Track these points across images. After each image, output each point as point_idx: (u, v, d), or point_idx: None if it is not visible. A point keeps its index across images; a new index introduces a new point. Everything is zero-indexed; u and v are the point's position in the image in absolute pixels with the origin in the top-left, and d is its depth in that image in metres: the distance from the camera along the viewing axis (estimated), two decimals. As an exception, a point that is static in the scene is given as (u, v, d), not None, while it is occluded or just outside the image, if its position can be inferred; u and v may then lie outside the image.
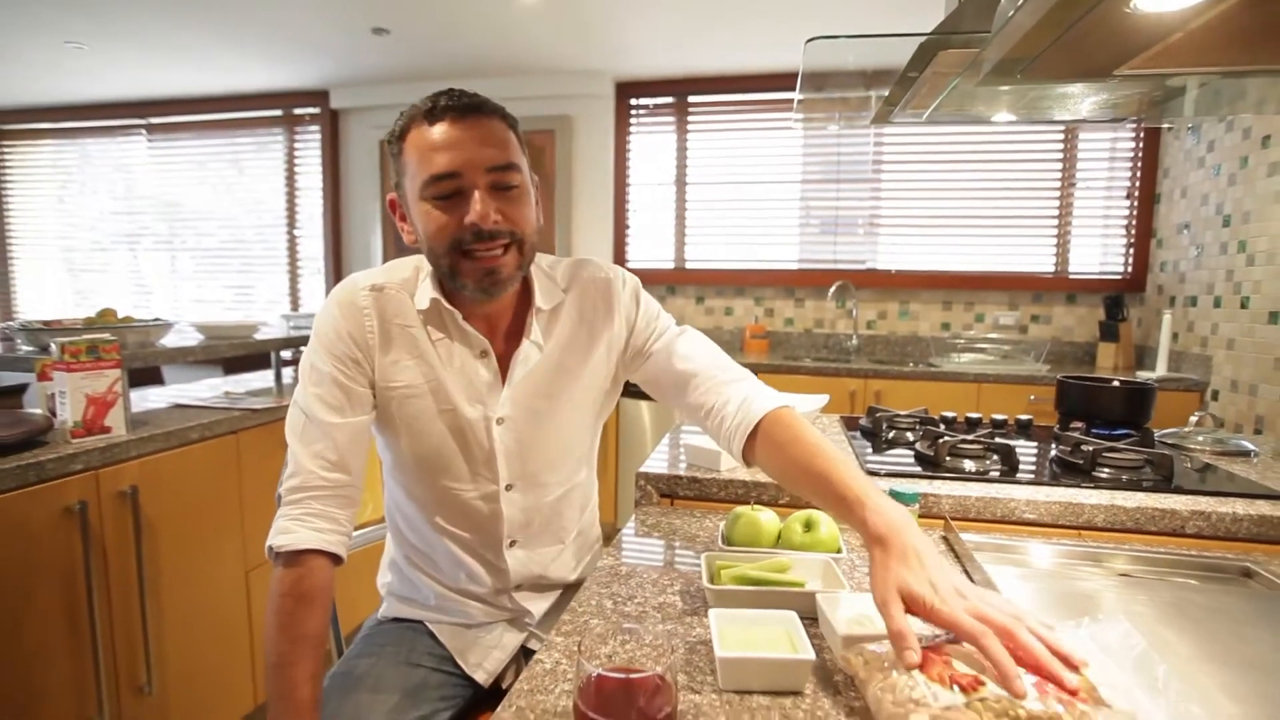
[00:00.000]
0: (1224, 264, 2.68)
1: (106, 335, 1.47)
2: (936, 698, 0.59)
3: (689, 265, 3.81)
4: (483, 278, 0.91)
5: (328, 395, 0.94)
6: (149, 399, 1.95)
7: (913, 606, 0.65)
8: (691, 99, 3.72)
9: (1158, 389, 1.53)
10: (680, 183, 3.77)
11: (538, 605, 1.11)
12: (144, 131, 4.53)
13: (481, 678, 1.07)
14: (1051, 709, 0.56)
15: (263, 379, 2.44)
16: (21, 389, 2.42)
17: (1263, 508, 1.12)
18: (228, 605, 1.81)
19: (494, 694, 1.07)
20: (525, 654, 1.10)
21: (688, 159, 3.76)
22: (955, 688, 0.59)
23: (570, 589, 1.14)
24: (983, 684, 0.59)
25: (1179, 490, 1.19)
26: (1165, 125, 3.10)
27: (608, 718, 0.58)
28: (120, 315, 1.91)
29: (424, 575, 1.10)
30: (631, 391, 1.19)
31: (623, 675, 0.62)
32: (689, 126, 3.75)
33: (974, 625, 0.61)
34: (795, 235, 3.70)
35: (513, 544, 1.06)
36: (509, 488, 1.03)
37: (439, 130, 0.88)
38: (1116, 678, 0.62)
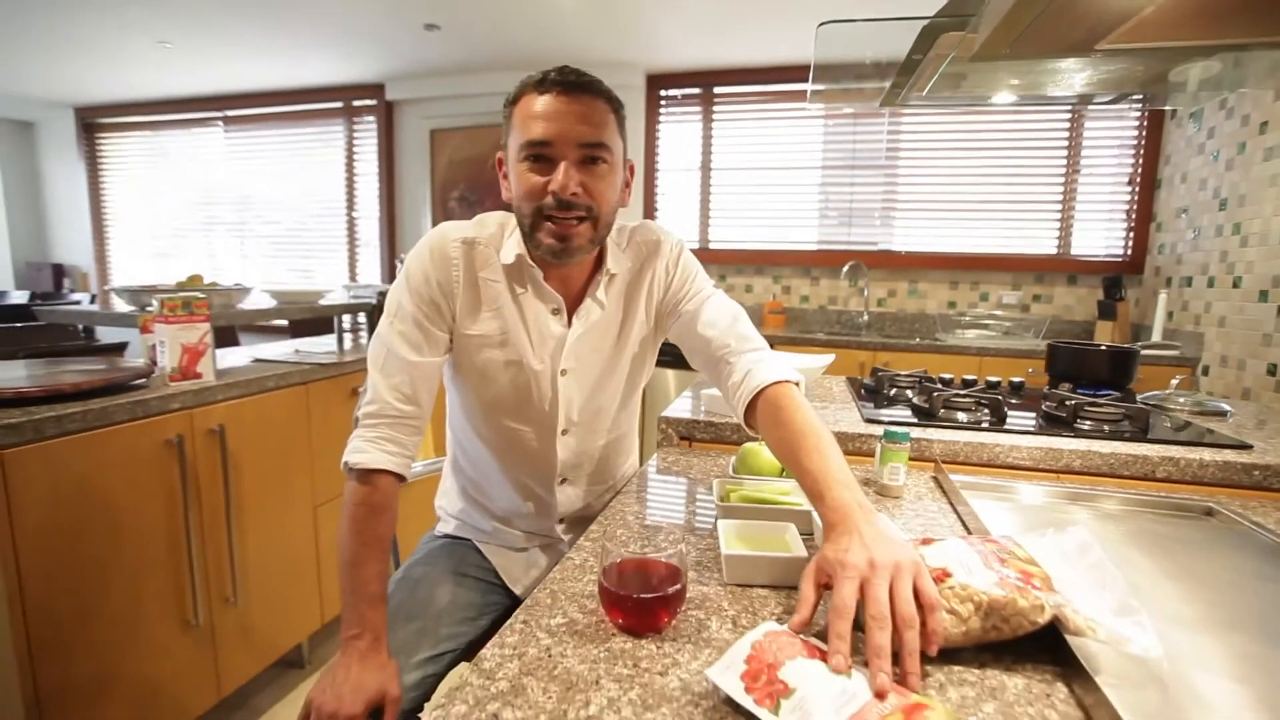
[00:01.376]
0: (1219, 246, 2.63)
1: (198, 293, 1.56)
2: (910, 587, 0.64)
3: (712, 246, 3.83)
4: (555, 242, 0.92)
5: (409, 333, 0.97)
6: (229, 357, 2.05)
7: (819, 576, 0.64)
8: (717, 90, 3.71)
9: (1141, 352, 1.53)
10: (705, 168, 3.78)
11: (570, 532, 1.18)
12: (221, 124, 4.66)
13: (519, 591, 1.15)
14: (1010, 594, 0.61)
15: (328, 343, 2.55)
16: (123, 346, 2.57)
17: (1229, 455, 1.14)
18: (299, 535, 1.92)
19: (531, 601, 1.14)
20: None
21: (713, 146, 3.77)
22: None
23: (593, 519, 1.19)
24: (949, 575, 0.64)
25: (1152, 440, 1.21)
26: (1168, 108, 3.02)
27: (627, 592, 0.64)
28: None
29: (477, 506, 1.17)
30: (659, 360, 1.20)
31: (640, 559, 0.68)
32: (714, 116, 3.75)
33: (842, 603, 0.58)
34: (813, 218, 3.69)
35: (563, 481, 1.11)
36: (564, 432, 1.08)
37: (544, 101, 0.89)
38: (1068, 573, 0.66)
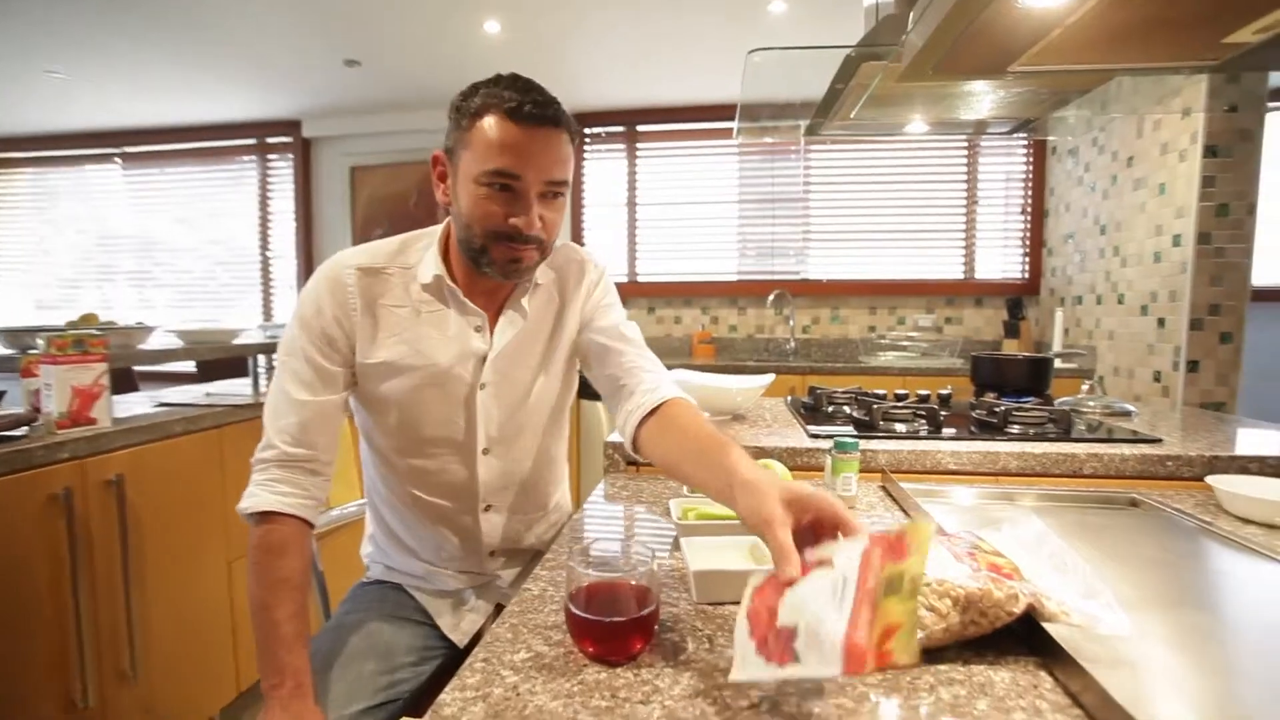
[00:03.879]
0: (1103, 267, 2.86)
1: (93, 331, 1.41)
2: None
3: (640, 278, 3.85)
4: (508, 264, 0.91)
5: (301, 371, 0.92)
6: (129, 404, 1.87)
7: (790, 517, 0.59)
8: (640, 128, 3.78)
9: (1054, 360, 1.62)
10: (631, 203, 3.82)
11: (509, 571, 1.10)
12: (118, 160, 4.35)
13: (458, 638, 1.06)
14: (985, 586, 0.60)
15: (243, 385, 2.36)
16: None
17: (1144, 449, 1.20)
18: (212, 594, 1.74)
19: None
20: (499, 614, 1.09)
21: (638, 182, 3.82)
22: None
23: (537, 558, 1.12)
24: (924, 572, 0.62)
25: (1077, 439, 1.26)
26: (1051, 138, 3.30)
27: (598, 616, 0.59)
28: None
29: (403, 549, 1.08)
30: (591, 393, 1.17)
31: (609, 581, 0.63)
32: (638, 153, 3.81)
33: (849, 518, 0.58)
34: (736, 249, 3.79)
35: (488, 508, 1.04)
36: (486, 451, 1.02)
37: (515, 131, 0.85)
38: (1032, 562, 0.66)
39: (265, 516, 0.87)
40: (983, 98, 1.19)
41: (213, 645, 1.74)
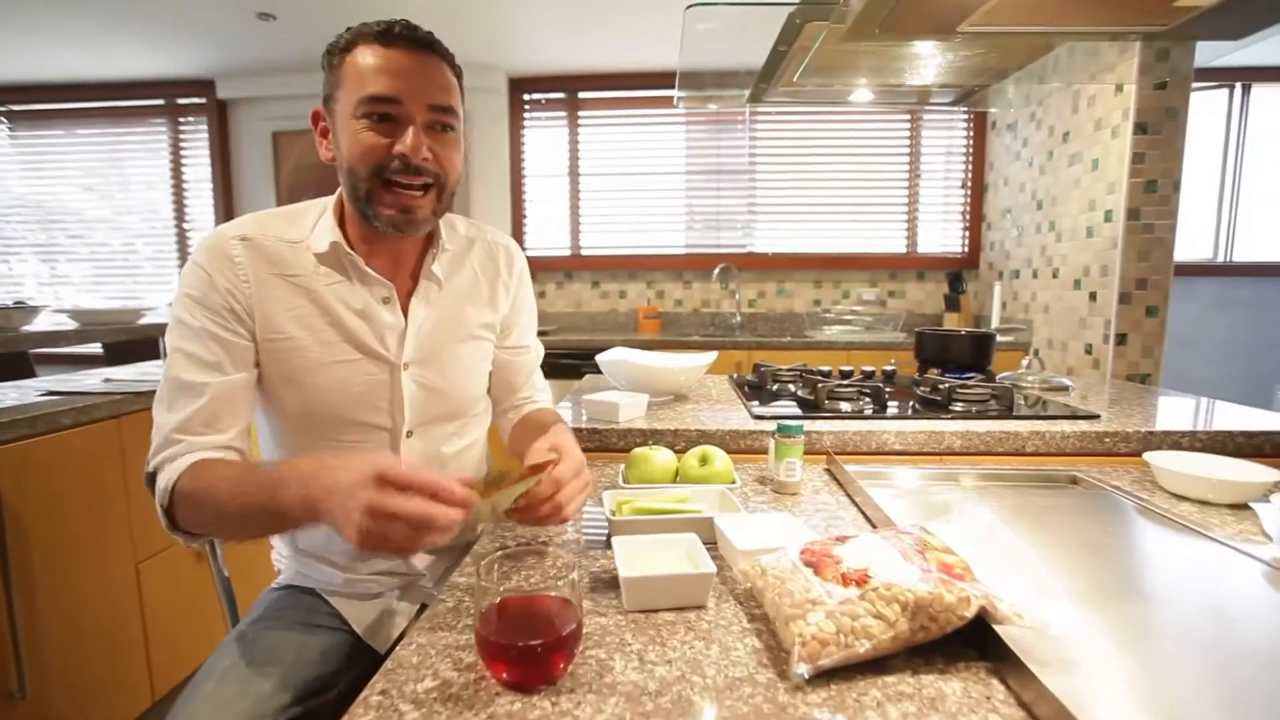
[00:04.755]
0: (1039, 242, 2.91)
1: (-49, 313, 1.24)
2: (831, 595, 0.57)
3: (584, 252, 3.74)
4: (399, 213, 0.83)
5: (202, 351, 0.82)
6: (20, 388, 1.68)
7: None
8: (582, 95, 3.64)
9: (996, 336, 1.62)
10: (574, 174, 3.69)
11: (434, 568, 1.02)
12: (3, 120, 3.93)
13: (379, 644, 0.98)
14: (935, 590, 0.55)
15: (149, 369, 2.18)
16: None
17: (1083, 425, 1.20)
18: (117, 599, 1.59)
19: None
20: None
21: (579, 151, 3.69)
22: (851, 585, 0.57)
23: (466, 549, 1.06)
24: (870, 578, 0.58)
25: (1019, 417, 1.25)
26: (991, 111, 3.33)
27: (511, 639, 0.52)
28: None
29: (313, 558, 0.98)
30: None
31: (525, 597, 0.56)
32: (580, 121, 3.67)
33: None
34: (681, 222, 3.71)
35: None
36: (409, 434, 0.94)
37: (389, 55, 0.80)
38: (983, 557, 0.63)
39: (182, 474, 0.77)
40: (928, 62, 1.15)
41: (121, 654, 1.60)
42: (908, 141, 3.54)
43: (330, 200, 0.91)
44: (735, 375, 1.83)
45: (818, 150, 3.60)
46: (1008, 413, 1.27)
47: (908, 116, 3.51)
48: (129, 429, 1.61)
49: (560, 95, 3.64)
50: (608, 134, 3.70)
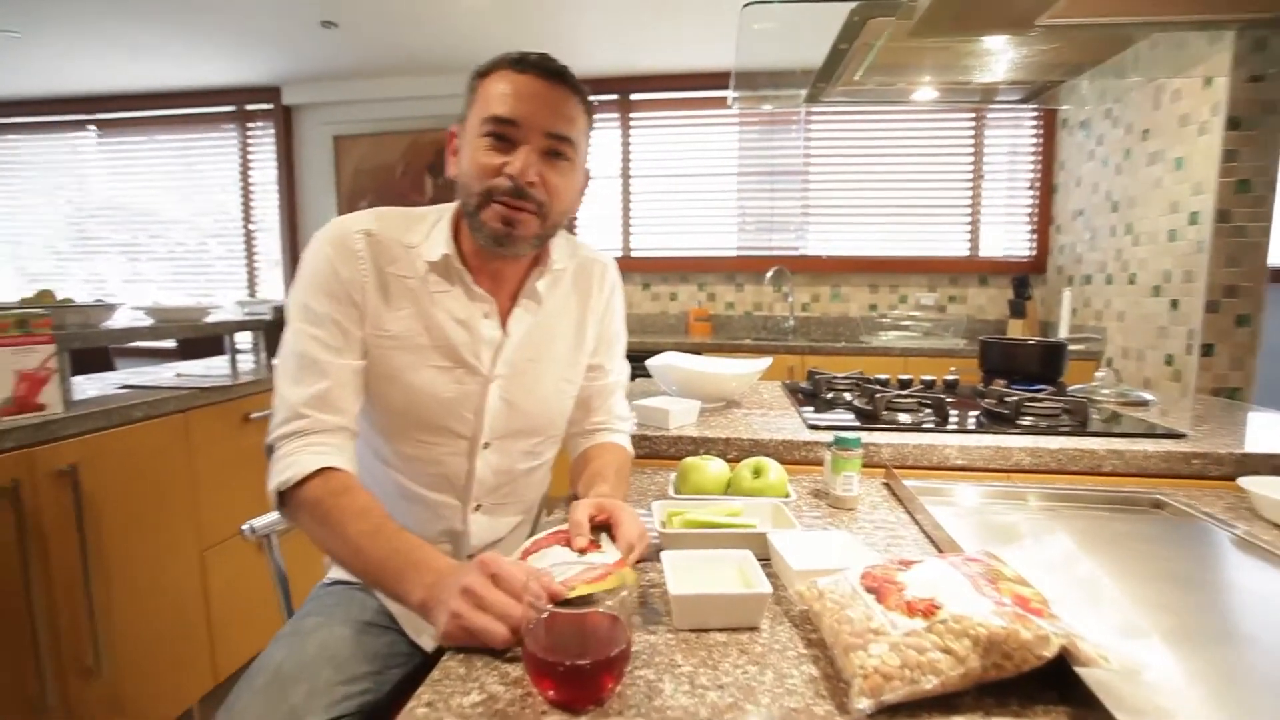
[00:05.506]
0: (1114, 245, 2.75)
1: (37, 310, 1.31)
2: (895, 625, 0.54)
3: (634, 254, 3.74)
4: (501, 226, 0.84)
5: (326, 336, 0.85)
6: (91, 385, 1.77)
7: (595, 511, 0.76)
8: (634, 96, 3.64)
9: (1068, 345, 1.53)
10: (625, 175, 3.69)
11: None
12: (94, 128, 4.18)
13: (426, 642, 0.99)
14: (1011, 626, 0.51)
15: (218, 365, 2.27)
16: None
17: (1168, 445, 1.12)
18: (183, 585, 1.66)
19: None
20: None
21: (631, 153, 3.68)
22: (917, 615, 0.54)
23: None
24: (938, 608, 0.54)
25: (1095, 433, 1.18)
26: (1064, 108, 3.17)
27: (559, 657, 0.51)
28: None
29: None
30: None
31: (574, 614, 0.55)
32: (632, 123, 3.67)
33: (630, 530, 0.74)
34: (733, 224, 3.67)
35: (478, 508, 0.98)
36: (487, 445, 0.95)
37: (518, 80, 0.83)
38: (1059, 590, 0.58)
39: (308, 480, 0.80)
40: (998, 58, 1.08)
41: (186, 637, 1.67)
42: (971, 140, 3.40)
43: (448, 210, 0.94)
44: (788, 381, 1.78)
45: (875, 150, 3.50)
46: (1082, 428, 1.20)
47: (971, 115, 3.38)
48: (195, 422, 1.68)
49: (613, 97, 3.64)
50: (660, 135, 3.69)
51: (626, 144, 3.67)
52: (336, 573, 1.05)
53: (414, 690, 0.54)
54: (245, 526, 1.06)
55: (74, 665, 1.38)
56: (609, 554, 0.67)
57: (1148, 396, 1.48)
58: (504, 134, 0.83)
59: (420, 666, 0.98)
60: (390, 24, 2.96)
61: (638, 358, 1.44)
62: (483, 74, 0.86)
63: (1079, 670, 0.51)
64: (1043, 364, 1.52)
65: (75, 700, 1.38)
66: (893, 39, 1.04)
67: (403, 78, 3.62)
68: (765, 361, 1.47)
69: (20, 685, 1.28)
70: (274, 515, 1.06)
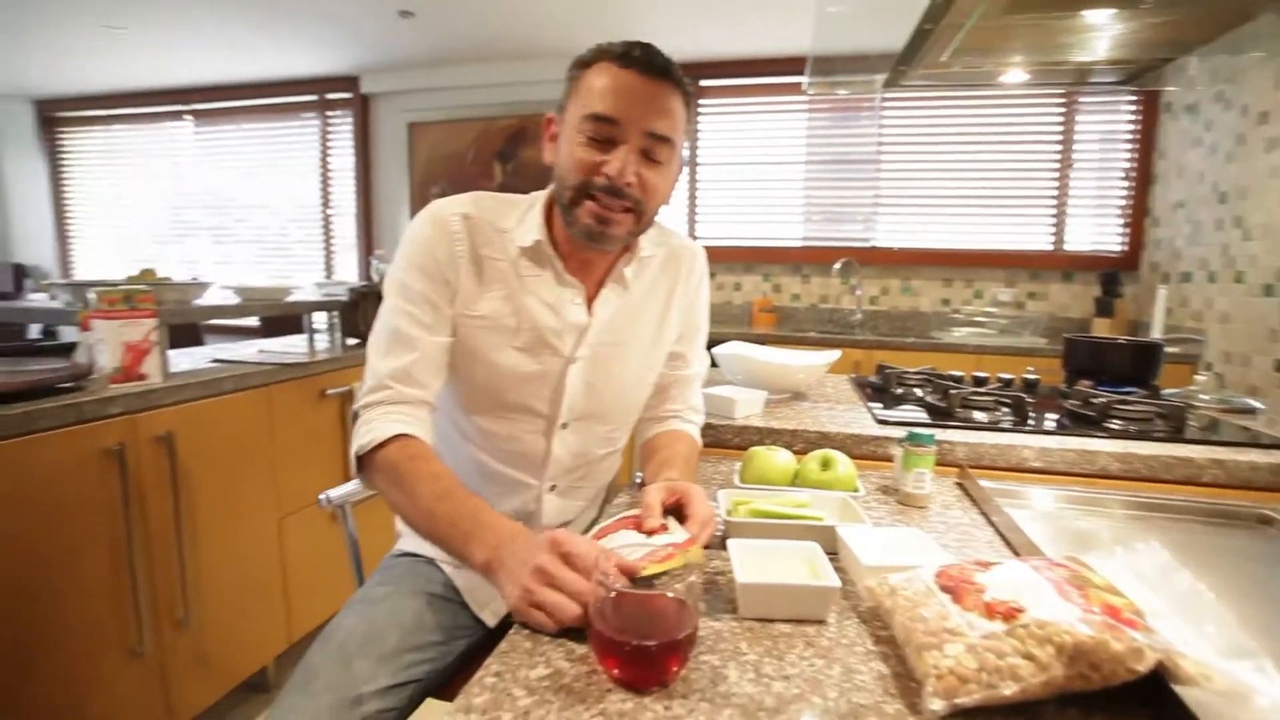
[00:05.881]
0: (1219, 240, 2.55)
1: (142, 286, 1.41)
2: (972, 626, 0.52)
3: (700, 242, 3.70)
4: (594, 223, 0.86)
5: (419, 313, 0.89)
6: (185, 358, 1.90)
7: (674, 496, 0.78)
8: (703, 83, 3.60)
9: (1164, 346, 1.43)
10: (691, 163, 3.66)
11: None
12: (190, 119, 4.45)
13: (488, 617, 1.02)
14: (1100, 635, 0.49)
15: (297, 343, 2.39)
16: (72, 346, 2.38)
17: (1277, 456, 1.03)
18: (262, 549, 1.77)
19: (503, 633, 1.01)
20: None
21: (699, 140, 3.65)
22: (996, 618, 0.52)
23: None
24: (1020, 612, 0.52)
25: (1194, 441, 1.10)
26: (1169, 89, 2.94)
27: (625, 637, 0.51)
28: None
29: None
30: None
31: (641, 595, 0.55)
32: (700, 109, 3.63)
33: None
34: (800, 214, 3.59)
35: (552, 488, 1.01)
36: (565, 425, 0.98)
37: (621, 75, 0.83)
38: (1160, 606, 0.55)
39: (392, 440, 0.84)
40: (1100, 35, 1.01)
41: (264, 598, 1.78)
42: (1060, 126, 3.21)
43: (541, 196, 0.97)
44: (855, 375, 1.74)
45: (953, 137, 3.35)
46: (1177, 435, 1.12)
47: (1061, 99, 3.19)
48: (277, 396, 1.77)
49: (681, 83, 3.61)
50: (727, 123, 3.64)
51: (694, 132, 3.64)
52: (406, 544, 1.09)
53: (475, 662, 0.55)
54: (322, 496, 1.12)
55: (167, 617, 1.49)
56: (677, 535, 0.67)
57: (1255, 404, 1.37)
58: (604, 132, 0.83)
59: (483, 640, 1.01)
60: (464, 12, 3.02)
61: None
62: (584, 64, 0.86)
63: (1177, 689, 0.48)
64: (1135, 365, 1.43)
65: (168, 649, 1.49)
66: (985, 17, 0.99)
67: (475, 65, 3.69)
68: (834, 354, 1.44)
69: (123, 633, 1.39)
70: (349, 486, 1.12)
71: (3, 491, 1.17)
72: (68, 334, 3.60)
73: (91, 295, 1.35)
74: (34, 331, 3.79)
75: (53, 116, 4.69)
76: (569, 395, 0.96)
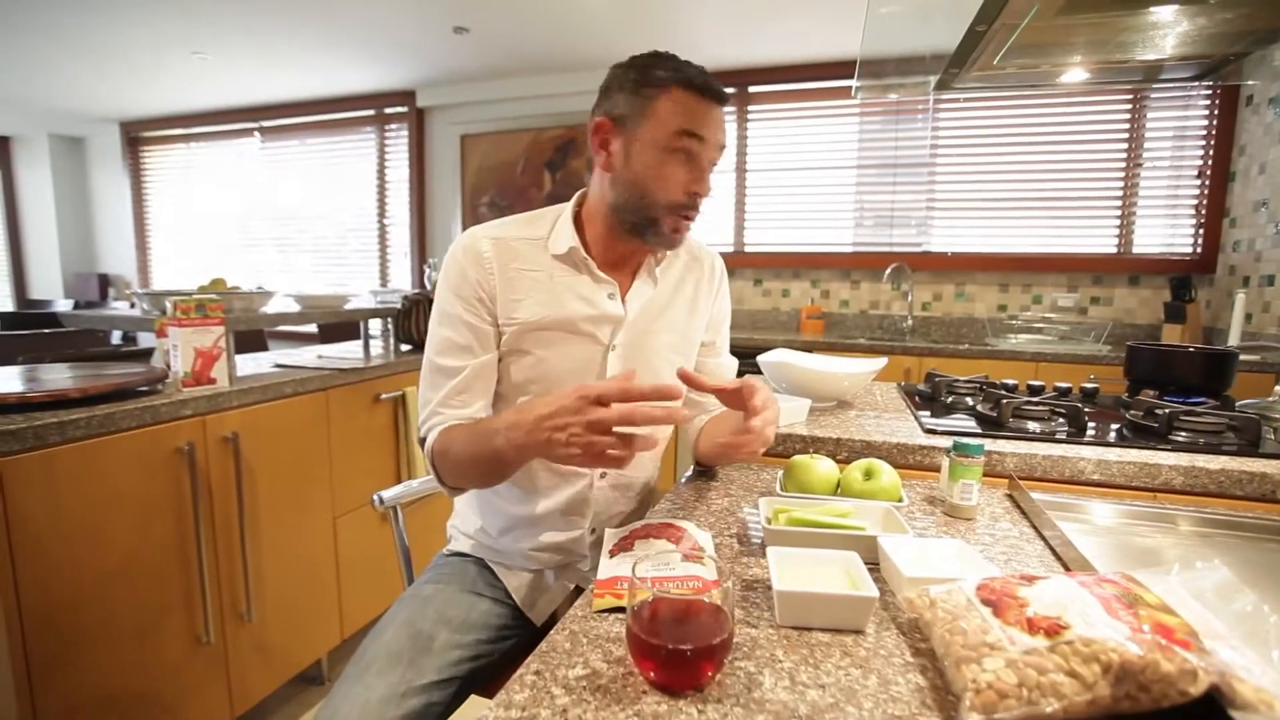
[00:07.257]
0: (1304, 241, 2.40)
1: (212, 295, 1.50)
2: (1014, 641, 0.51)
3: (747, 249, 3.70)
4: (675, 238, 0.98)
5: (458, 336, 0.97)
6: (250, 363, 2.00)
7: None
8: (751, 89, 3.59)
9: (1239, 355, 1.36)
10: (740, 169, 3.65)
11: (593, 553, 1.07)
12: (257, 134, 4.69)
13: (535, 617, 1.05)
14: (1150, 655, 0.47)
15: (354, 349, 2.49)
16: (149, 352, 2.54)
17: (1365, 474, 0.97)
18: (318, 547, 1.84)
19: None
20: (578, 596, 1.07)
21: (747, 146, 3.64)
22: (1039, 634, 0.51)
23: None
24: (1064, 628, 0.51)
25: (1270, 455, 1.04)
26: (1249, 82, 2.79)
27: (662, 640, 0.52)
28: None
29: (492, 523, 1.08)
30: None
31: (678, 600, 0.56)
32: (749, 115, 3.63)
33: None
34: (851, 219, 3.54)
35: (603, 475, 1.06)
36: None
37: (702, 102, 0.93)
38: (1217, 627, 0.53)
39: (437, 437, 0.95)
40: (1167, 32, 0.97)
41: (319, 594, 1.86)
42: (1127, 125, 3.08)
43: (567, 207, 1.04)
44: (904, 383, 1.71)
45: (1010, 139, 3.25)
46: (1252, 448, 1.06)
47: (1128, 96, 3.05)
48: (334, 400, 1.85)
49: (730, 90, 3.62)
50: (776, 128, 3.62)
51: (742, 137, 3.64)
52: (456, 545, 1.13)
53: (520, 661, 0.57)
54: (375, 497, 1.17)
55: (231, 610, 1.57)
56: (708, 571, 0.65)
57: (1341, 417, 1.29)
58: (692, 150, 0.93)
59: (529, 639, 1.04)
60: (516, 27, 3.10)
61: (747, 354, 1.44)
62: (659, 83, 0.92)
63: (1235, 714, 0.46)
64: (1205, 375, 1.36)
65: (231, 640, 1.57)
66: (1040, 17, 0.96)
67: (525, 78, 3.78)
68: (880, 362, 1.42)
69: (192, 622, 1.48)
70: (401, 488, 1.17)
71: (88, 486, 1.26)
72: (144, 339, 3.84)
73: (168, 304, 1.44)
74: (116, 337, 4.06)
75: (136, 137, 5.02)
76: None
